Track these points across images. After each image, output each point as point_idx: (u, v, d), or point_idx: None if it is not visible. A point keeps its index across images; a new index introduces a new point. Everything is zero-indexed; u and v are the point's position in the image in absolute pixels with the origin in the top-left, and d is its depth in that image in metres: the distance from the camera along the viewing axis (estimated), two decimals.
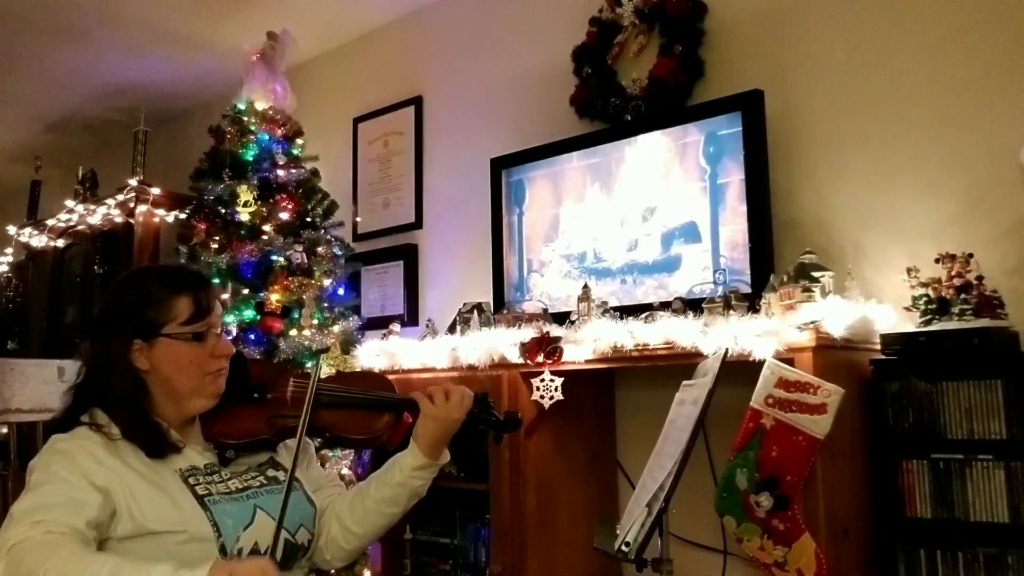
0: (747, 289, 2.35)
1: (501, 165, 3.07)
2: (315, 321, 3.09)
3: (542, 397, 2.40)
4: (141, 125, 4.52)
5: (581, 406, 2.63)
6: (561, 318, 2.58)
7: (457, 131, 3.57)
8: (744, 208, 2.43)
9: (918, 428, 1.96)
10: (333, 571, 2.70)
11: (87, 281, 4.64)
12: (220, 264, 3.05)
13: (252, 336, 3.00)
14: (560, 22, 3.15)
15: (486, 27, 3.50)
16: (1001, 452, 1.86)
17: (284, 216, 3.19)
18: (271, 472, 1.58)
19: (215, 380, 1.53)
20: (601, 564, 2.49)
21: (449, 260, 3.53)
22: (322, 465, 1.96)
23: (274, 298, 3.06)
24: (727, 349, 1.94)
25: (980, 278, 2.01)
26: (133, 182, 4.35)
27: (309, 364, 2.92)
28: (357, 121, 3.99)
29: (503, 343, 2.51)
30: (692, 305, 2.29)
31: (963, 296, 1.99)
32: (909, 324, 2.10)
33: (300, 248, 3.15)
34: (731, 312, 2.15)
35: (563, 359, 2.39)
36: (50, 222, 4.96)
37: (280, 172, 3.23)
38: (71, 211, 4.73)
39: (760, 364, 1.95)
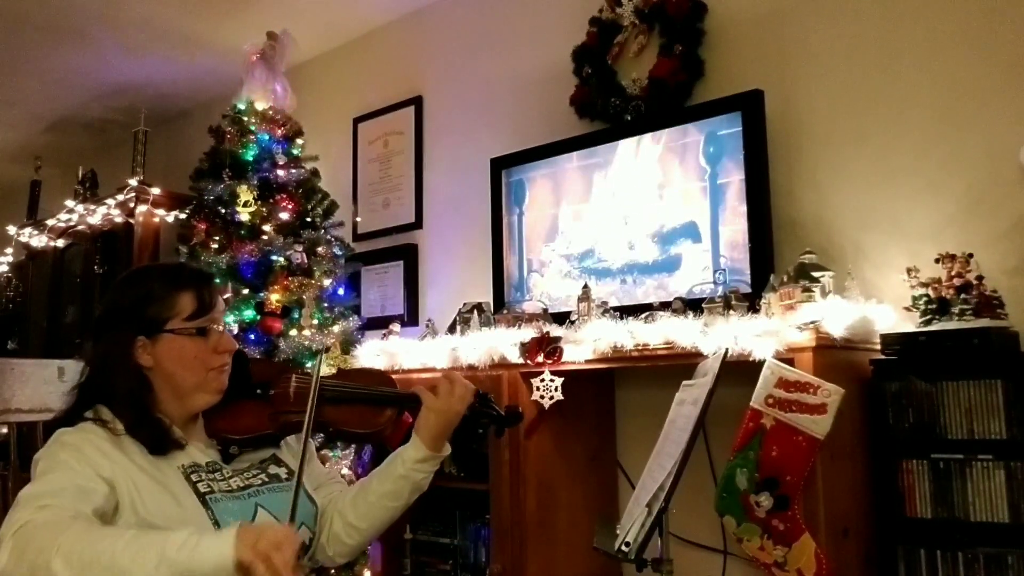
0: (747, 289, 2.35)
1: (501, 165, 3.07)
2: (315, 321, 3.09)
3: (542, 397, 2.40)
4: (141, 125, 4.52)
5: (581, 406, 2.63)
6: (561, 318, 2.58)
7: (457, 131, 3.57)
8: (744, 208, 2.43)
9: (918, 428, 1.97)
10: (333, 571, 2.72)
11: (87, 281, 4.64)
12: (220, 264, 3.05)
13: (252, 336, 3.00)
14: (560, 22, 3.15)
15: (486, 27, 3.50)
16: (1001, 452, 1.86)
17: (284, 216, 3.18)
18: (273, 469, 1.58)
19: (218, 376, 1.53)
20: (601, 564, 2.49)
21: (449, 260, 3.53)
22: (322, 464, 1.96)
23: (274, 298, 3.06)
24: (727, 349, 1.94)
25: (980, 278, 2.01)
26: (133, 182, 4.36)
27: (309, 364, 2.93)
28: (357, 121, 3.99)
29: (503, 343, 2.51)
30: (692, 305, 2.29)
31: (963, 296, 1.99)
32: (909, 324, 2.10)
33: (300, 248, 3.15)
34: (731, 312, 2.15)
35: (563, 359, 2.39)
36: (50, 222, 4.95)
37: (280, 172, 3.23)
38: (71, 211, 4.73)
39: (760, 364, 1.95)
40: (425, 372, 2.70)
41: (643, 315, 2.32)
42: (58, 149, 5.45)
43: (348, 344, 3.08)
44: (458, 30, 3.61)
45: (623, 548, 1.67)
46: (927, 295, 2.05)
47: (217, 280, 2.89)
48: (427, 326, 3.04)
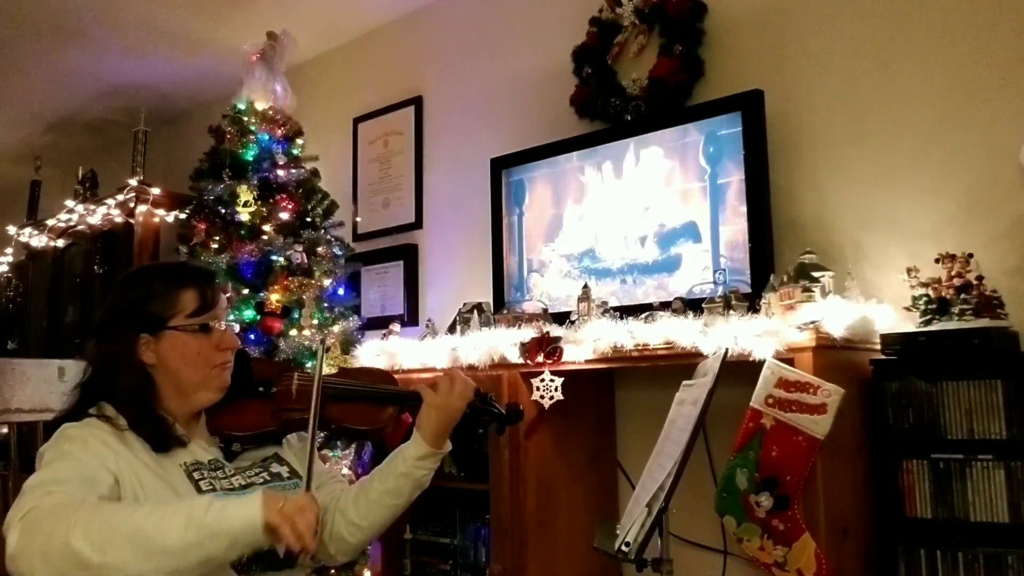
0: (747, 289, 2.35)
1: (501, 165, 3.07)
2: (315, 321, 3.09)
3: (542, 397, 2.40)
4: (141, 125, 4.52)
5: (581, 406, 2.63)
6: (561, 318, 2.58)
7: (457, 131, 3.57)
8: (744, 208, 2.43)
9: (918, 428, 1.96)
10: (333, 571, 2.72)
11: (87, 281, 4.64)
12: (220, 264, 3.05)
13: (252, 336, 3.00)
14: (560, 22, 3.15)
15: (486, 27, 3.50)
16: (1001, 452, 1.86)
17: (284, 216, 3.18)
18: (275, 468, 1.58)
19: (221, 373, 1.54)
20: (601, 564, 2.49)
21: (449, 260, 3.53)
22: (323, 463, 1.96)
23: (274, 298, 3.06)
24: (727, 349, 1.94)
25: (980, 278, 2.01)
26: (133, 182, 4.35)
27: (310, 364, 2.93)
28: (357, 121, 3.99)
29: (503, 343, 2.51)
30: (692, 305, 2.29)
31: (963, 296, 1.99)
32: (909, 324, 2.10)
33: (300, 248, 3.15)
34: (731, 312, 2.15)
35: (563, 359, 2.39)
36: (50, 222, 4.95)
37: (280, 172, 3.23)
38: (71, 211, 4.73)
39: (760, 364, 1.95)
40: (425, 372, 2.70)
41: (643, 315, 2.32)
42: (58, 149, 5.46)
43: (348, 344, 3.08)
44: (458, 30, 3.61)
45: (623, 548, 1.67)
46: (927, 295, 2.05)
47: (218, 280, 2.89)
48: (427, 326, 3.04)
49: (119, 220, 4.39)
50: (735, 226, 2.46)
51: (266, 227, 3.15)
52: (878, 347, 2.07)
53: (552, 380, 2.39)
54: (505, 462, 2.46)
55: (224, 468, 1.52)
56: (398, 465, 1.60)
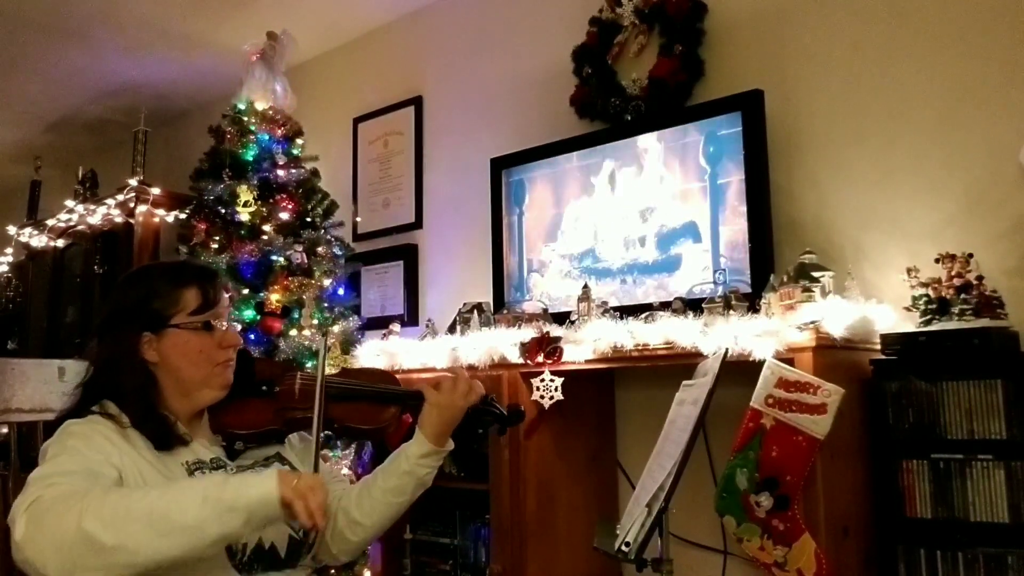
0: (747, 289, 2.35)
1: (501, 165, 3.07)
2: (315, 321, 3.09)
3: (542, 397, 2.40)
4: (141, 125, 4.52)
5: (581, 406, 2.63)
6: (561, 318, 2.58)
7: (457, 131, 3.57)
8: (744, 208, 2.43)
9: (918, 428, 1.96)
10: (333, 571, 2.71)
11: (87, 281, 4.64)
12: (220, 264, 3.05)
13: (252, 336, 3.00)
14: (560, 22, 3.15)
15: (486, 27, 3.50)
16: (1001, 452, 1.86)
17: (284, 216, 3.18)
18: (277, 466, 1.58)
19: (223, 371, 1.54)
20: (601, 564, 2.49)
21: (449, 260, 3.53)
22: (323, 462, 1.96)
23: (274, 298, 3.06)
24: (727, 349, 1.94)
25: (980, 278, 2.01)
26: (133, 182, 4.35)
27: (310, 364, 2.93)
28: (357, 121, 3.99)
29: (503, 343, 2.51)
30: (692, 305, 2.29)
31: (963, 296, 1.99)
32: (909, 324, 2.10)
33: (300, 248, 3.15)
34: (731, 312, 2.15)
35: (563, 359, 2.39)
36: (50, 222, 4.95)
37: (280, 172, 3.23)
38: (71, 211, 4.73)
39: (760, 364, 1.95)
40: (425, 372, 2.70)
41: (643, 315, 2.32)
42: (58, 149, 5.45)
43: (348, 344, 3.08)
44: (458, 30, 3.61)
45: (623, 548, 1.67)
46: (927, 295, 2.04)
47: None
48: (427, 326, 3.04)
49: (119, 220, 4.39)
50: (735, 226, 2.46)
51: (266, 227, 3.15)
52: (878, 347, 2.07)
53: (552, 380, 2.39)
54: (505, 462, 2.46)
55: (226, 467, 1.53)
56: (401, 463, 1.61)
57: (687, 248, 2.57)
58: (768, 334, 1.98)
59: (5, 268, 5.49)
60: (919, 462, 1.95)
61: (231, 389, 1.56)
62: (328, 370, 1.80)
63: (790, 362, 1.94)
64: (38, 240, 5.05)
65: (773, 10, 2.63)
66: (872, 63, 2.42)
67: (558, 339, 2.40)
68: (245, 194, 3.14)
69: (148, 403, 1.47)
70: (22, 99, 4.78)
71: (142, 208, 4.32)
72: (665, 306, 2.34)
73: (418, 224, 3.67)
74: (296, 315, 3.09)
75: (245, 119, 3.26)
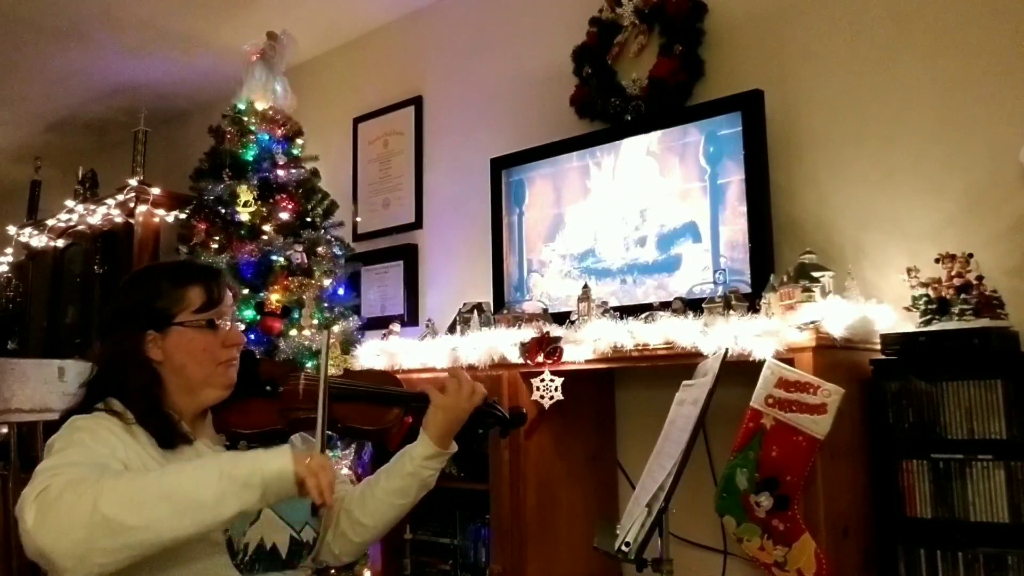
0: (747, 289, 2.35)
1: (501, 165, 3.07)
2: (315, 321, 3.09)
3: (542, 397, 2.40)
4: (141, 125, 4.52)
5: (581, 406, 2.62)
6: (561, 318, 2.58)
7: (457, 131, 3.57)
8: (744, 208, 2.43)
9: (918, 428, 1.96)
10: (333, 572, 2.71)
11: (87, 281, 4.64)
12: (220, 264, 3.05)
13: (252, 336, 3.00)
14: (560, 22, 3.15)
15: (486, 27, 3.50)
16: (1001, 452, 1.86)
17: (284, 216, 3.19)
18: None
19: (227, 370, 1.54)
20: (601, 564, 2.49)
21: (449, 260, 3.53)
22: None
23: (274, 298, 3.07)
24: (727, 349, 1.94)
25: (980, 278, 2.01)
26: (133, 182, 4.35)
27: (310, 364, 2.93)
28: (357, 121, 3.99)
29: (503, 343, 2.50)
30: (692, 305, 2.28)
31: (963, 296, 1.99)
32: (909, 324, 2.10)
33: (300, 248, 3.15)
34: (731, 312, 2.15)
35: (563, 359, 2.38)
36: (50, 222, 4.95)
37: (280, 172, 3.23)
38: (71, 211, 4.73)
39: (760, 364, 1.95)
40: (425, 372, 2.70)
41: (643, 315, 2.32)
42: (58, 149, 5.45)
43: (348, 344, 3.08)
44: (458, 30, 3.61)
45: (623, 548, 1.67)
46: (927, 295, 2.05)
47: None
48: (427, 326, 3.04)
49: (119, 220, 4.39)
50: (735, 226, 2.46)
51: (266, 227, 3.15)
52: (878, 347, 2.07)
53: (552, 380, 2.39)
54: (505, 462, 2.46)
55: None
56: (405, 465, 1.62)
57: (687, 248, 2.57)
58: (768, 334, 1.98)
59: (5, 268, 5.48)
60: (919, 462, 1.95)
61: (235, 389, 1.57)
62: (331, 370, 1.80)
63: (790, 362, 1.94)
64: (38, 240, 5.05)
65: (773, 10, 2.63)
66: (872, 63, 2.42)
67: (558, 339, 2.40)
68: (245, 194, 3.14)
69: (152, 401, 1.48)
70: (22, 99, 4.79)
71: (142, 208, 4.31)
72: (665, 306, 2.34)
73: (418, 224, 3.67)
74: (296, 315, 3.09)
75: (245, 119, 3.26)
